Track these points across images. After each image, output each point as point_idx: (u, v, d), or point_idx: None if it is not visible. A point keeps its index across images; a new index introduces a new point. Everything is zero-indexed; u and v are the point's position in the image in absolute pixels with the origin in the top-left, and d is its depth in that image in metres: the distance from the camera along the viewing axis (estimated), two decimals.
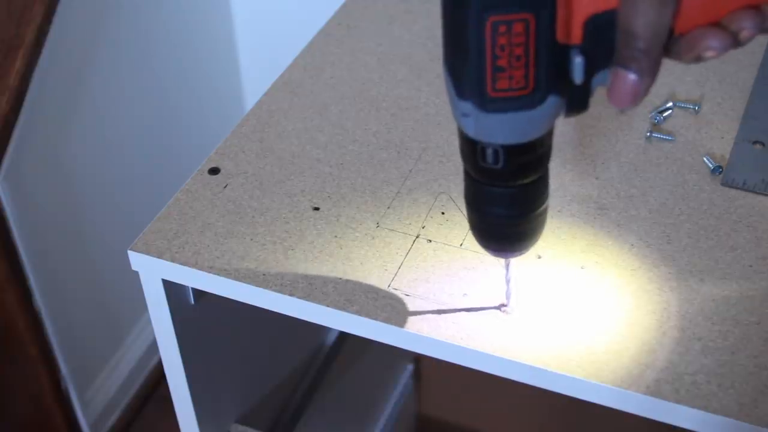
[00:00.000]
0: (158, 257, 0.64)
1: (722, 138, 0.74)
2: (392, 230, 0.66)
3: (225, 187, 0.70)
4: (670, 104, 0.77)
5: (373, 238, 0.66)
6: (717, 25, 0.46)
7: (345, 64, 0.83)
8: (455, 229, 0.66)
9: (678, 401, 0.55)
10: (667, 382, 0.56)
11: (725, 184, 0.70)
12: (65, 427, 1.31)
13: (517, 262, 0.64)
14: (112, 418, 1.44)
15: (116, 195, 1.35)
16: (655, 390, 0.56)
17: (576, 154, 0.73)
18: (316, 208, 0.68)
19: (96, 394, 1.40)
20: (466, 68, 0.46)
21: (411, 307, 0.61)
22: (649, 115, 0.76)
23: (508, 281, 0.60)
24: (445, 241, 0.66)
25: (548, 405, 1.15)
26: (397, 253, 0.65)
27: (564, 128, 0.75)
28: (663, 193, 0.69)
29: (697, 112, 0.77)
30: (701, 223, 0.67)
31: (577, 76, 0.47)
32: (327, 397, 1.00)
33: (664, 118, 0.76)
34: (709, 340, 0.59)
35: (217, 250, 0.65)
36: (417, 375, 1.24)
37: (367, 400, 1.15)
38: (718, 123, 0.76)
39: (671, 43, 0.47)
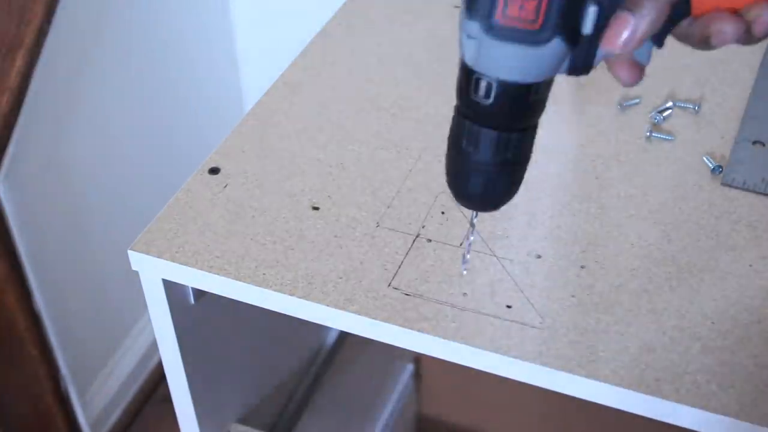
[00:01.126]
0: (158, 257, 0.64)
1: (722, 138, 0.74)
2: (392, 230, 0.66)
3: (225, 187, 0.70)
4: (670, 104, 0.77)
5: (373, 237, 0.66)
6: (734, 12, 0.46)
7: (345, 64, 0.83)
8: (455, 229, 0.67)
9: (678, 401, 0.55)
10: (667, 382, 0.56)
11: (725, 184, 0.70)
12: (65, 427, 1.31)
13: (517, 262, 0.64)
14: (112, 418, 1.45)
15: (116, 195, 1.35)
16: (655, 389, 0.56)
17: (576, 154, 0.73)
18: (316, 208, 0.68)
19: (96, 394, 1.40)
20: None
21: (411, 307, 0.61)
22: (649, 115, 0.76)
23: (468, 244, 0.60)
24: (445, 241, 0.66)
25: (548, 405, 1.15)
26: (397, 253, 0.65)
27: (564, 128, 0.75)
28: (663, 193, 0.69)
29: (697, 112, 0.77)
30: (701, 223, 0.67)
31: (588, 26, 0.47)
32: (327, 397, 1.00)
33: (664, 118, 0.76)
34: (709, 340, 0.59)
35: (217, 250, 0.65)
36: (417, 375, 1.24)
37: (367, 400, 1.15)
38: (718, 123, 0.76)
39: (686, 25, 0.47)
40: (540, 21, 0.45)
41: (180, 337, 0.70)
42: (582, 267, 0.64)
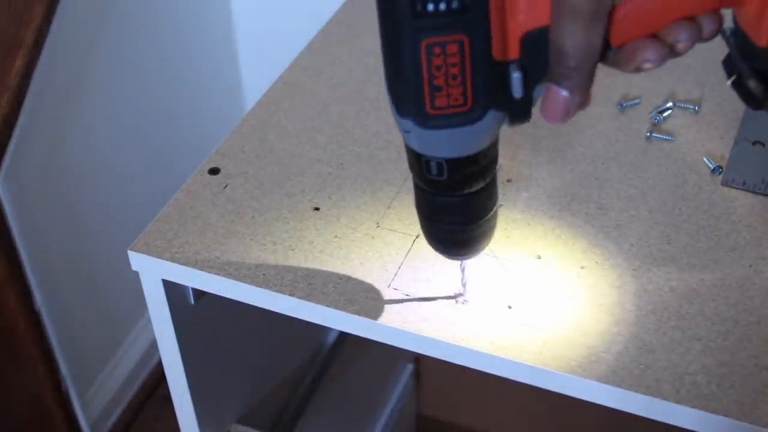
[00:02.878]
0: (158, 257, 0.64)
1: (722, 138, 0.74)
2: (392, 230, 0.66)
3: (225, 187, 0.70)
4: (670, 104, 0.77)
5: (373, 238, 0.66)
6: (654, 37, 0.47)
7: (345, 64, 0.83)
8: None
9: (678, 401, 0.55)
10: (667, 382, 0.56)
11: (725, 184, 0.70)
12: (65, 427, 1.31)
13: (517, 262, 0.64)
14: (112, 418, 1.44)
15: (116, 195, 1.35)
16: (655, 390, 0.56)
17: (576, 154, 0.73)
18: (316, 208, 0.68)
19: (96, 394, 1.40)
20: (404, 88, 0.47)
21: (411, 307, 0.61)
22: (649, 115, 0.76)
23: (464, 283, 0.61)
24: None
25: (548, 405, 1.15)
26: (397, 253, 0.65)
27: (564, 128, 0.75)
28: (663, 193, 0.69)
29: (697, 112, 0.77)
30: (701, 223, 0.67)
31: (516, 90, 0.48)
32: (327, 397, 1.00)
33: (664, 118, 0.76)
34: (709, 340, 0.59)
35: (217, 250, 0.65)
36: (417, 375, 1.24)
37: (367, 400, 1.15)
38: (718, 123, 0.76)
39: (611, 54, 0.48)
40: (470, 102, 0.47)
41: (180, 337, 0.70)
42: (582, 267, 0.64)
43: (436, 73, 0.46)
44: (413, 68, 0.46)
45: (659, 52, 0.47)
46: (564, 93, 0.47)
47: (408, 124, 0.48)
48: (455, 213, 0.54)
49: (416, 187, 0.54)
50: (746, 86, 0.50)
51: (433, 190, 0.53)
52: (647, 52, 0.47)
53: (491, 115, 0.48)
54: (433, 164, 0.50)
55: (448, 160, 0.50)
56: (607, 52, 0.48)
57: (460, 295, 0.62)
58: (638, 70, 0.48)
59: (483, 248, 0.57)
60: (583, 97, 0.48)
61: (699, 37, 0.47)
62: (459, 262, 0.61)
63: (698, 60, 0.83)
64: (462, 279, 0.62)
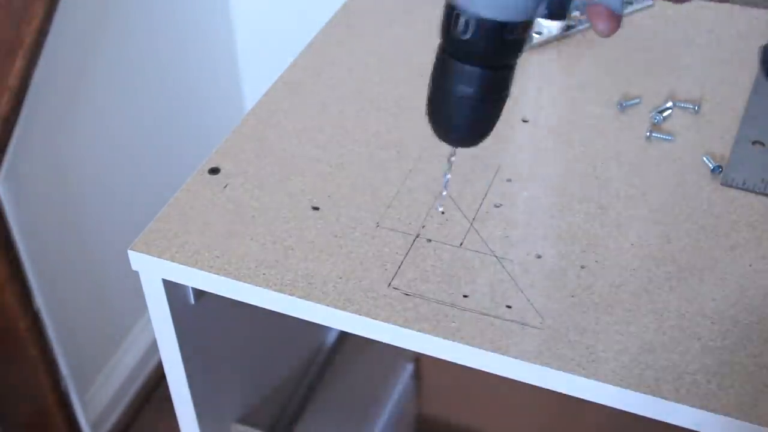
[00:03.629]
0: (158, 257, 0.64)
1: (722, 138, 0.74)
2: (392, 230, 0.66)
3: (225, 187, 0.70)
4: (670, 104, 0.77)
5: (373, 237, 0.66)
6: None
7: (345, 64, 0.83)
8: (455, 228, 0.67)
9: (678, 401, 0.55)
10: (667, 382, 0.56)
11: (725, 184, 0.70)
12: (65, 427, 1.31)
13: (517, 262, 0.64)
14: (112, 418, 1.45)
15: (116, 195, 1.35)
16: (655, 389, 0.56)
17: (576, 154, 0.73)
18: (316, 208, 0.68)
19: (96, 394, 1.40)
20: None
21: (411, 307, 0.61)
22: (649, 115, 0.76)
23: (446, 181, 0.63)
24: (445, 240, 0.66)
25: (548, 405, 1.15)
26: (397, 253, 0.65)
27: (564, 128, 0.75)
28: (663, 193, 0.69)
29: (697, 112, 0.77)
30: (701, 223, 0.67)
31: None
32: (327, 396, 1.00)
33: (664, 118, 0.76)
34: (709, 340, 0.59)
35: (217, 250, 0.65)
36: (417, 375, 1.24)
37: (367, 400, 1.15)
38: (718, 123, 0.76)
39: None
40: None
41: (180, 337, 0.70)
42: (582, 267, 0.64)
43: None
44: None
45: None
46: None
47: None
48: (462, 81, 0.54)
49: (438, 51, 0.55)
50: None
51: (453, 52, 0.53)
52: None
53: None
54: (462, 19, 0.51)
55: (477, 18, 0.51)
56: None
57: (441, 197, 0.63)
58: None
59: (478, 136, 0.57)
60: None
61: None
62: (448, 162, 0.62)
63: (698, 60, 0.83)
64: (445, 175, 0.62)
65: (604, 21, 0.52)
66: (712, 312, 0.60)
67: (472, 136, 0.57)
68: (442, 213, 0.67)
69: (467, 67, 0.53)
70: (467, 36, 0.51)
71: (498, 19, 0.51)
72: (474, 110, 0.55)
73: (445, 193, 0.64)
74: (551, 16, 0.51)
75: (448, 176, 0.63)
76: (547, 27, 0.82)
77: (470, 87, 0.54)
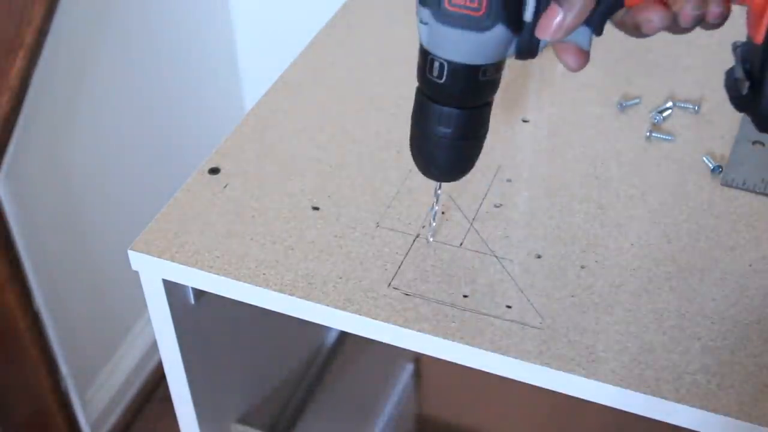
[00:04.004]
0: (158, 257, 0.64)
1: (722, 138, 0.74)
2: (392, 230, 0.66)
3: (225, 187, 0.70)
4: (670, 104, 0.77)
5: (373, 237, 0.66)
6: (662, 2, 0.50)
7: (345, 64, 0.83)
8: (455, 229, 0.67)
9: (678, 401, 0.55)
10: (667, 382, 0.56)
11: (725, 184, 0.70)
12: (65, 427, 1.31)
13: (517, 262, 0.64)
14: (112, 418, 1.44)
15: (116, 195, 1.35)
16: (655, 389, 0.56)
17: (576, 154, 0.73)
18: (316, 208, 0.68)
19: (96, 394, 1.40)
20: None
21: (411, 307, 0.61)
22: (649, 115, 0.76)
23: (434, 213, 0.64)
24: (445, 241, 0.66)
25: (548, 405, 1.15)
26: (397, 253, 0.65)
27: (564, 128, 0.75)
28: (663, 193, 0.69)
29: (697, 112, 0.77)
30: (701, 223, 0.67)
31: (528, 13, 0.51)
32: (327, 397, 1.00)
33: (664, 118, 0.76)
34: (709, 340, 0.59)
35: (217, 250, 0.65)
36: (417, 375, 1.24)
37: (367, 400, 1.15)
38: (718, 123, 0.76)
39: (622, 14, 0.52)
40: (483, 8, 0.51)
41: (180, 337, 0.70)
42: (582, 267, 0.64)
43: None
44: None
45: (663, 17, 0.50)
46: (561, 10, 0.51)
47: (426, 14, 0.52)
48: (442, 123, 0.56)
49: (417, 92, 0.57)
50: (736, 85, 0.54)
51: (430, 93, 0.55)
52: (652, 13, 0.50)
53: (500, 30, 0.51)
54: (436, 64, 0.53)
55: (450, 63, 0.53)
56: (618, 10, 0.52)
57: (430, 228, 0.65)
58: (639, 30, 0.51)
59: (460, 172, 0.60)
60: (574, 21, 0.52)
61: (704, 15, 0.50)
62: (435, 197, 0.64)
63: (698, 60, 0.83)
64: (432, 208, 0.64)
65: (573, 57, 0.53)
66: (712, 312, 0.60)
67: (453, 173, 0.60)
68: (443, 213, 0.67)
69: (445, 109, 0.56)
70: (443, 80, 0.54)
71: (471, 63, 0.53)
72: (454, 149, 0.58)
73: (434, 224, 0.65)
74: (520, 55, 0.54)
75: (436, 208, 0.64)
76: None
77: (448, 128, 0.56)
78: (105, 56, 1.24)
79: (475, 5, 0.50)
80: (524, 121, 0.76)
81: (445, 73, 0.53)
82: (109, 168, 1.32)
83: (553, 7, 0.51)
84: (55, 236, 1.24)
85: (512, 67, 0.81)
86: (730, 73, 0.55)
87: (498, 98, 0.78)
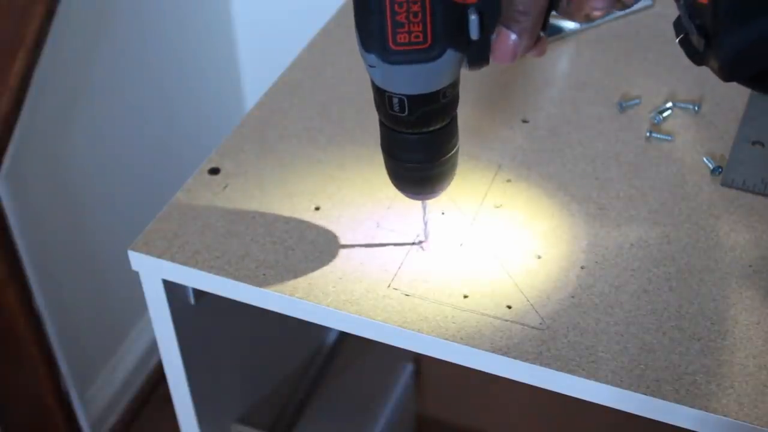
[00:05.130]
0: (158, 257, 0.64)
1: (722, 138, 0.74)
2: (392, 230, 0.66)
3: (225, 187, 0.70)
4: (669, 104, 0.77)
5: (373, 238, 0.66)
6: None
7: (345, 64, 0.83)
8: (455, 229, 0.67)
9: (678, 401, 0.55)
10: (667, 382, 0.56)
11: (725, 184, 0.70)
12: (65, 427, 1.31)
13: (517, 262, 0.64)
14: (112, 418, 1.44)
15: (116, 195, 1.35)
16: (655, 390, 0.56)
17: (576, 154, 0.73)
18: (317, 208, 0.68)
19: (96, 394, 1.40)
20: (369, 24, 0.51)
21: (411, 307, 0.61)
22: (649, 115, 0.76)
23: (426, 223, 0.64)
24: (445, 241, 0.66)
25: (548, 405, 1.15)
26: (397, 253, 0.65)
27: (564, 128, 0.75)
28: (663, 193, 0.69)
29: (697, 112, 0.77)
30: (701, 223, 0.67)
31: (473, 32, 0.51)
32: (327, 397, 1.00)
33: (664, 118, 0.76)
34: (709, 340, 0.59)
35: (217, 250, 0.65)
36: (417, 375, 1.24)
37: (367, 400, 1.15)
38: (718, 123, 0.76)
39: (563, 4, 0.52)
40: (429, 40, 0.50)
41: (180, 337, 0.70)
42: (582, 267, 0.64)
43: (398, 10, 0.49)
44: (377, 5, 0.49)
45: (606, 1, 0.52)
46: (513, 36, 0.52)
47: (372, 59, 0.52)
48: (415, 151, 0.57)
49: (381, 124, 0.57)
50: (691, 42, 0.53)
51: (395, 127, 0.56)
52: (595, 0, 0.52)
53: (450, 55, 0.51)
54: (395, 100, 0.53)
55: (409, 97, 0.53)
56: (560, 1, 0.52)
57: (422, 241, 0.65)
58: (587, 17, 0.52)
59: (442, 188, 0.60)
60: (530, 41, 0.53)
61: None
62: (423, 210, 0.64)
63: None
64: (424, 220, 0.64)
65: (502, 55, 0.53)
66: (712, 312, 0.60)
67: (434, 189, 0.60)
68: (443, 213, 0.67)
69: (411, 137, 0.56)
70: (405, 113, 0.54)
71: (429, 92, 0.53)
72: (429, 170, 0.58)
73: (428, 231, 0.65)
74: (474, 66, 0.54)
75: (427, 218, 0.64)
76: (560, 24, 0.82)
77: (419, 153, 0.57)
78: (105, 56, 1.24)
79: (420, 39, 0.50)
80: (524, 121, 0.76)
81: (406, 106, 0.53)
82: (109, 168, 1.32)
83: (504, 34, 0.52)
84: (55, 236, 1.24)
85: (512, 67, 0.81)
86: (678, 27, 0.54)
87: (498, 98, 0.79)
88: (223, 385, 0.80)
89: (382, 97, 0.54)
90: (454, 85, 0.54)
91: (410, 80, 0.52)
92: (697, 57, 0.54)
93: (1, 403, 1.28)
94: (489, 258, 0.64)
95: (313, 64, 0.83)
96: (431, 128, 0.55)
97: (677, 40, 0.55)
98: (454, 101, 0.55)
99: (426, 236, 0.65)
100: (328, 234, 0.66)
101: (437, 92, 0.53)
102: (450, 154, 0.58)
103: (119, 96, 1.30)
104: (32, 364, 1.22)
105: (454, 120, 0.57)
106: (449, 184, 0.60)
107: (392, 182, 0.60)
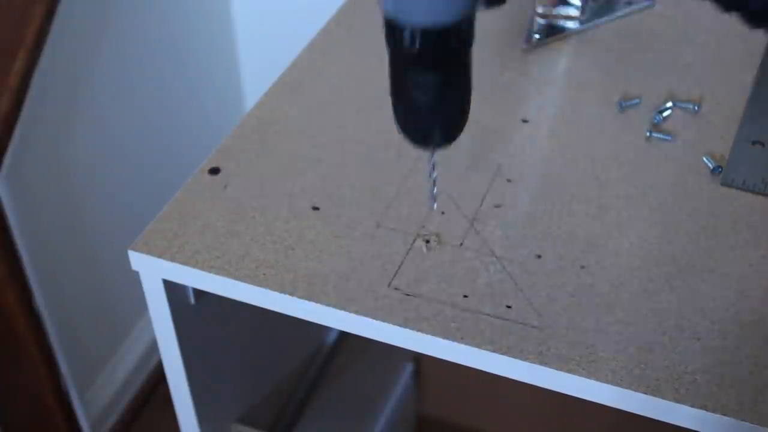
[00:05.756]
0: (158, 257, 0.64)
1: (722, 138, 0.74)
2: (392, 230, 0.66)
3: (225, 187, 0.70)
4: (669, 104, 0.77)
5: (373, 237, 0.66)
6: None
7: (345, 64, 0.83)
8: (455, 229, 0.67)
9: (678, 401, 0.55)
10: (667, 382, 0.56)
11: (725, 184, 0.70)
12: (65, 427, 1.31)
13: (517, 262, 0.64)
14: (112, 418, 1.45)
15: (116, 195, 1.35)
16: (655, 389, 0.56)
17: (576, 154, 0.73)
18: (316, 208, 0.68)
19: (96, 394, 1.40)
20: None
21: (411, 307, 0.61)
22: (649, 115, 0.76)
23: (433, 179, 0.63)
24: (445, 241, 0.66)
25: (548, 405, 1.15)
26: (397, 253, 0.65)
27: (564, 128, 0.75)
28: (663, 193, 0.69)
29: (697, 112, 0.77)
30: (701, 223, 0.67)
31: None
32: (327, 397, 1.00)
33: (664, 118, 0.76)
34: (709, 340, 0.59)
35: (217, 250, 0.65)
36: (417, 375, 1.24)
37: (367, 400, 1.15)
38: (718, 123, 0.76)
39: None
40: None
41: (180, 337, 0.70)
42: (582, 267, 0.64)
43: None
44: None
45: None
46: None
47: None
48: (425, 90, 0.54)
49: (391, 63, 0.55)
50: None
51: (406, 64, 0.54)
52: None
53: None
54: (406, 33, 0.51)
55: (420, 29, 0.51)
56: None
57: (431, 195, 0.64)
58: None
59: (450, 137, 0.58)
60: None
61: None
62: (430, 166, 0.62)
63: (698, 59, 0.83)
64: (430, 176, 0.62)
65: None
66: (712, 312, 0.60)
67: (447, 137, 0.58)
68: (443, 213, 0.67)
69: (423, 78, 0.54)
70: (416, 47, 0.52)
71: (441, 23, 0.51)
72: (440, 114, 0.56)
73: (435, 191, 0.64)
74: (489, 3, 0.53)
75: (435, 174, 0.63)
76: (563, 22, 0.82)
77: (428, 95, 0.55)
78: (105, 56, 1.24)
79: None
80: (524, 121, 0.76)
81: (417, 40, 0.51)
82: (109, 168, 1.32)
83: None
84: (55, 236, 1.24)
85: (512, 67, 0.81)
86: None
87: (498, 98, 0.79)
88: (223, 385, 0.80)
89: (392, 32, 0.52)
90: (467, 25, 0.52)
91: (421, 6, 0.50)
92: (723, 3, 0.51)
93: (1, 403, 1.28)
94: (489, 258, 0.64)
95: (313, 64, 0.83)
96: (440, 69, 0.53)
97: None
98: (465, 45, 0.53)
99: (432, 197, 0.64)
100: (328, 234, 0.66)
101: (449, 28, 0.51)
102: (458, 101, 0.56)
103: (119, 96, 1.30)
104: (32, 364, 1.22)
105: (468, 66, 0.55)
106: (459, 134, 0.58)
107: (399, 129, 0.58)
